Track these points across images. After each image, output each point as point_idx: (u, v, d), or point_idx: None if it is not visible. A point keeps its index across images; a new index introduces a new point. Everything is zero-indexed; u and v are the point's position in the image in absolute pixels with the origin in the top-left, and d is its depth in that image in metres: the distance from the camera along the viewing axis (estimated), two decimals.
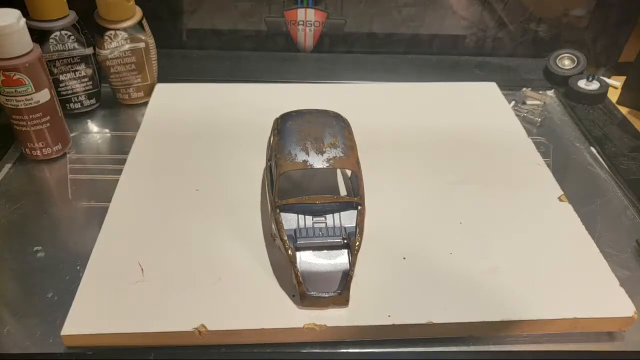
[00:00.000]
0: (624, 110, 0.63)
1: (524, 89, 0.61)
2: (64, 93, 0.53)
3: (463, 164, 0.48)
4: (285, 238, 0.36)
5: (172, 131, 0.50)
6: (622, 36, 0.67)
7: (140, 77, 0.56)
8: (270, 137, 0.47)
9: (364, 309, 0.35)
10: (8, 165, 0.49)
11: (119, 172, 0.46)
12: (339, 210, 0.38)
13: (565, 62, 0.64)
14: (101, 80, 0.55)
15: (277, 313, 0.35)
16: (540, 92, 0.62)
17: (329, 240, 0.36)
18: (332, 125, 0.42)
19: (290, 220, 0.37)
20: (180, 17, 0.66)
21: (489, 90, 0.59)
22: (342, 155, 0.39)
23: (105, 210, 0.42)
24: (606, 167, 0.51)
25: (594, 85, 0.60)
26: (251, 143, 0.49)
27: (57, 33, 0.50)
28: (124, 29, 0.52)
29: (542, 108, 0.59)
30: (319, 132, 0.41)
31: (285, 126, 0.42)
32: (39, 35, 0.49)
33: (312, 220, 0.38)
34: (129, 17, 0.52)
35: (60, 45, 0.50)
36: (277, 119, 0.44)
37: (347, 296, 0.35)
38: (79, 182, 0.47)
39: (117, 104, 0.57)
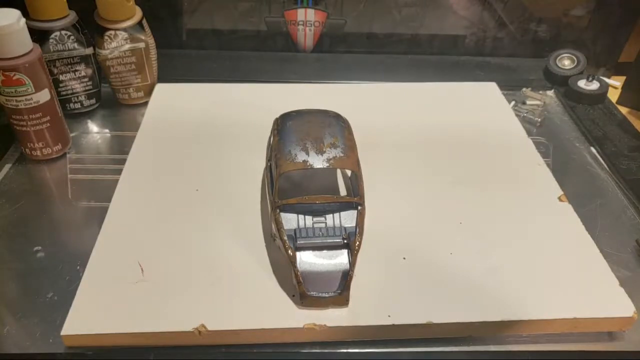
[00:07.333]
0: (624, 110, 0.63)
1: (524, 89, 0.61)
2: (64, 93, 0.53)
3: (463, 164, 0.48)
4: (285, 238, 0.36)
5: (172, 131, 0.50)
6: (622, 36, 0.67)
7: (140, 77, 0.56)
8: (270, 137, 0.47)
9: (364, 309, 0.35)
10: (8, 165, 0.49)
11: (119, 172, 0.46)
12: (339, 210, 0.38)
13: (565, 62, 0.64)
14: (101, 80, 0.55)
15: (277, 313, 0.35)
16: (540, 92, 0.61)
17: (329, 240, 0.36)
18: (332, 125, 0.42)
19: (290, 220, 0.37)
20: (180, 17, 0.66)
21: (489, 90, 0.59)
22: (342, 155, 0.39)
23: (105, 210, 0.42)
24: (606, 167, 0.51)
25: (594, 85, 0.60)
26: (251, 143, 0.49)
27: (57, 33, 0.50)
28: (124, 29, 0.52)
29: (542, 108, 0.59)
30: (319, 132, 0.41)
31: (285, 126, 0.42)
32: (39, 35, 0.49)
33: (312, 220, 0.38)
34: (129, 17, 0.52)
35: (60, 45, 0.50)
36: (277, 119, 0.44)
37: (347, 296, 0.35)
38: (79, 182, 0.47)
39: (117, 104, 0.57)
